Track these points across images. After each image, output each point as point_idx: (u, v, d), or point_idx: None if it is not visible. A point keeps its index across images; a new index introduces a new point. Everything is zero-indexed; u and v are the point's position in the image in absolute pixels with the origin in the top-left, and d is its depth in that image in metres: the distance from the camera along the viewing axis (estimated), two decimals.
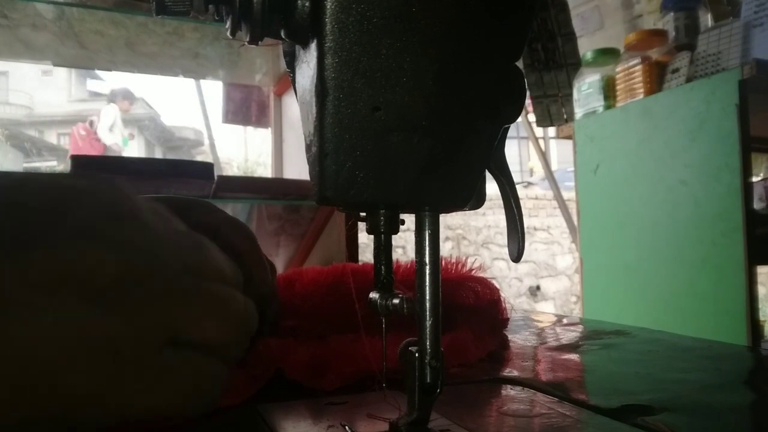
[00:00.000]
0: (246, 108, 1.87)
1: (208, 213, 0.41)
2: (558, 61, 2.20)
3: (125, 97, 6.78)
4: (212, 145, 4.69)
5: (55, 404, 0.21)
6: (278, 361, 0.41)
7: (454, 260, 0.57)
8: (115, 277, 0.23)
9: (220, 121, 1.93)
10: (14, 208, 0.23)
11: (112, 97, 6.79)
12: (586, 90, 1.85)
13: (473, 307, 0.55)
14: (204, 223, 0.38)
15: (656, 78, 1.63)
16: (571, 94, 2.07)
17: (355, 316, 0.32)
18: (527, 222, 5.14)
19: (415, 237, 0.30)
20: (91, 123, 6.69)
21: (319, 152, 0.27)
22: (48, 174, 0.28)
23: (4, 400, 0.20)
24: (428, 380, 0.29)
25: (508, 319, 0.61)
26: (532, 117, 2.39)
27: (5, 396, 0.20)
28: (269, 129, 1.86)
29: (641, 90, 1.65)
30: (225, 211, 0.43)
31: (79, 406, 0.22)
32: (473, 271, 0.57)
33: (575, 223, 2.02)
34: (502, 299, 0.58)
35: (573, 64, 2.19)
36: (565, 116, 2.21)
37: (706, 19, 1.74)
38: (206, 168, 1.22)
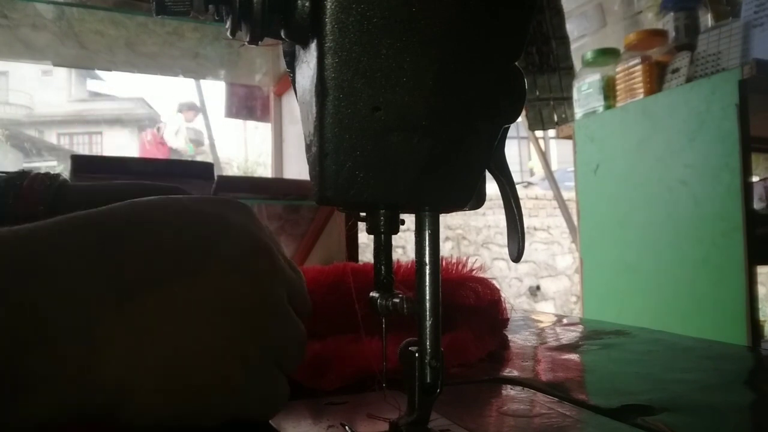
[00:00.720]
0: (249, 103, 1.88)
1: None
2: (551, 65, 2.21)
3: (190, 108, 7.69)
4: (212, 145, 4.69)
5: (196, 398, 0.27)
6: None
7: (454, 260, 0.57)
8: (250, 302, 0.28)
9: (221, 117, 1.94)
10: (183, 232, 0.29)
11: (180, 108, 7.75)
12: (586, 90, 1.85)
13: (473, 307, 0.55)
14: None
15: (656, 78, 1.63)
16: (562, 98, 2.07)
17: (355, 315, 0.32)
18: (527, 222, 5.14)
19: (415, 237, 0.30)
20: (159, 129, 7.68)
21: (319, 152, 0.27)
22: (208, 203, 0.32)
23: (162, 392, 0.26)
24: (428, 380, 0.29)
25: (508, 319, 0.61)
26: None
27: (162, 386, 0.26)
28: (269, 125, 1.87)
29: (641, 90, 1.65)
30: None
31: (207, 401, 0.27)
32: (474, 272, 0.57)
33: (575, 223, 2.02)
34: (502, 299, 0.58)
35: (565, 68, 2.19)
36: (556, 120, 2.21)
37: (706, 19, 1.74)
38: (206, 168, 1.22)
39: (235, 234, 0.30)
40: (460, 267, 0.57)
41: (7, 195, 0.45)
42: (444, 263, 0.56)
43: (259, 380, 0.29)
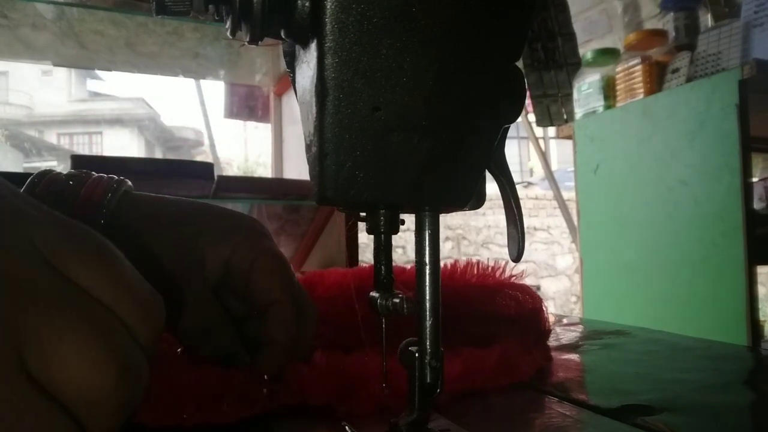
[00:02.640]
0: (249, 103, 1.87)
1: (252, 239, 0.38)
2: (558, 61, 2.20)
3: None
4: (212, 145, 4.69)
5: None
6: (304, 394, 0.36)
7: (490, 264, 0.51)
8: None
9: (221, 117, 1.94)
10: None
11: None
12: (586, 90, 1.85)
13: (514, 317, 0.49)
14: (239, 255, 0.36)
15: (656, 78, 1.63)
16: (570, 94, 2.07)
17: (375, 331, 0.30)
18: (527, 222, 5.14)
19: (415, 237, 0.30)
20: None
21: (319, 152, 0.27)
22: None
23: None
24: (428, 380, 0.29)
25: (550, 331, 0.54)
26: (532, 117, 2.40)
27: None
28: (270, 125, 1.87)
29: (641, 90, 1.65)
30: (270, 240, 0.39)
31: None
32: (513, 278, 0.52)
33: (575, 223, 2.02)
34: (544, 308, 0.52)
35: (573, 64, 2.19)
36: (564, 116, 2.21)
37: (706, 19, 1.74)
38: (206, 168, 1.22)
39: None
40: (498, 273, 0.51)
41: (63, 196, 0.37)
42: (480, 267, 0.51)
43: None
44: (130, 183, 0.40)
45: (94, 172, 0.40)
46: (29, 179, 0.37)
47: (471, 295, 0.48)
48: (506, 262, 0.51)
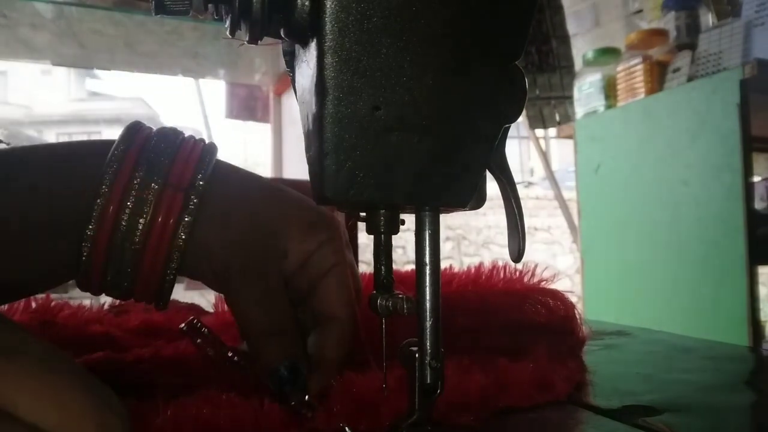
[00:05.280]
0: (251, 103, 1.88)
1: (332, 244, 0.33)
2: (552, 64, 2.20)
3: None
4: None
5: None
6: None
7: (517, 268, 0.48)
8: None
9: (222, 118, 1.94)
10: None
11: None
12: (587, 89, 1.85)
13: (545, 325, 0.46)
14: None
15: (657, 77, 1.63)
16: (563, 97, 2.07)
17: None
18: (528, 222, 5.13)
19: (415, 237, 0.30)
20: None
21: (319, 152, 0.26)
22: None
23: None
24: (428, 381, 0.29)
25: (584, 340, 0.49)
26: None
27: None
28: (269, 125, 1.87)
29: (642, 89, 1.65)
30: (350, 249, 0.35)
31: None
32: (543, 282, 0.48)
33: (576, 223, 2.02)
34: (577, 315, 0.48)
35: (566, 67, 2.19)
36: (558, 119, 2.21)
37: (707, 18, 1.74)
38: None
39: None
40: (526, 277, 0.48)
41: (161, 153, 0.32)
42: (506, 272, 0.48)
43: None
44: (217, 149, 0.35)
45: (181, 135, 0.34)
46: (118, 140, 0.32)
47: (497, 302, 0.45)
48: (536, 265, 0.48)
